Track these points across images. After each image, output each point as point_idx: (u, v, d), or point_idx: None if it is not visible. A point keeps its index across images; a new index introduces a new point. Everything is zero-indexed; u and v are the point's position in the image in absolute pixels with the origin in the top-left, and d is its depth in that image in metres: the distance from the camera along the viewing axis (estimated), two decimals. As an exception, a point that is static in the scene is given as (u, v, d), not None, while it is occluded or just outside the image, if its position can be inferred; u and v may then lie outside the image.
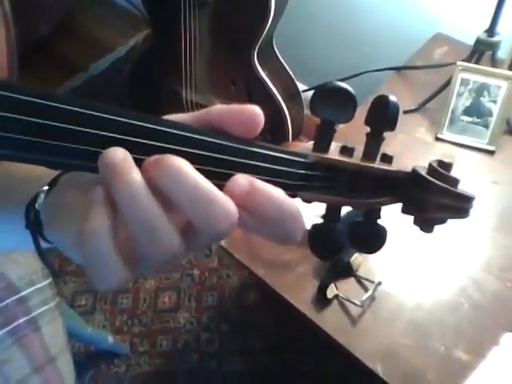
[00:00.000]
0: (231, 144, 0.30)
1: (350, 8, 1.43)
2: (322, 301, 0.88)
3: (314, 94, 0.32)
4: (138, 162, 0.27)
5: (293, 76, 1.38)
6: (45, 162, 0.28)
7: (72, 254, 0.32)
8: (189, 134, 0.29)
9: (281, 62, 1.37)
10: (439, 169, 0.32)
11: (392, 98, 0.33)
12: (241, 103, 0.29)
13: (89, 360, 1.42)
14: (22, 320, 0.82)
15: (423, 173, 0.32)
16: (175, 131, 0.29)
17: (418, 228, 0.33)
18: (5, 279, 0.83)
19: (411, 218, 0.34)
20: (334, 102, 0.32)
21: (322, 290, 0.87)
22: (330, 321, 0.86)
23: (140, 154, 0.28)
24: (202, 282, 1.54)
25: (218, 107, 0.30)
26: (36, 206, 0.34)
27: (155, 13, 1.37)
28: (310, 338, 1.40)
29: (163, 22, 1.34)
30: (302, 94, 1.41)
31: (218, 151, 0.30)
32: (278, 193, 0.29)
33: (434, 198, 0.32)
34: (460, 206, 0.32)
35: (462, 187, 0.33)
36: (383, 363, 0.81)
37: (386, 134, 0.34)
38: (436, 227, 0.33)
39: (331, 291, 0.87)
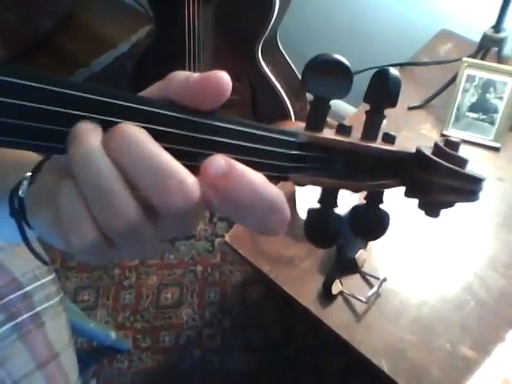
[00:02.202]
0: (202, 120, 0.27)
1: (354, 4, 1.42)
2: (326, 297, 0.87)
3: (305, 67, 0.29)
4: None
5: (297, 72, 1.38)
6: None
7: (50, 237, 0.30)
8: (150, 109, 0.27)
9: (285, 58, 1.36)
10: (446, 148, 0.29)
11: (392, 71, 0.30)
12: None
13: (91, 356, 1.42)
14: (25, 315, 0.82)
15: (428, 153, 0.29)
16: (138, 106, 0.26)
17: (423, 212, 0.30)
18: (8, 274, 0.83)
19: (416, 205, 0.31)
20: (327, 76, 0.29)
21: (327, 285, 0.87)
22: (334, 317, 0.86)
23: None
24: (204, 278, 1.53)
25: (177, 77, 0.28)
26: (20, 193, 0.33)
27: (159, 8, 1.36)
28: (312, 334, 1.39)
29: (167, 17, 1.34)
30: (306, 91, 1.40)
31: (184, 127, 0.27)
32: (257, 178, 0.26)
33: (440, 180, 0.29)
34: (468, 188, 0.29)
35: (471, 168, 0.30)
36: (388, 359, 0.81)
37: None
38: (442, 215, 0.30)
39: (336, 287, 0.87)
